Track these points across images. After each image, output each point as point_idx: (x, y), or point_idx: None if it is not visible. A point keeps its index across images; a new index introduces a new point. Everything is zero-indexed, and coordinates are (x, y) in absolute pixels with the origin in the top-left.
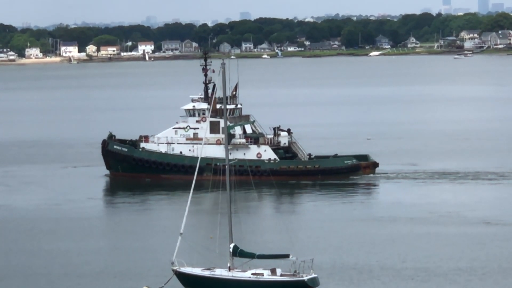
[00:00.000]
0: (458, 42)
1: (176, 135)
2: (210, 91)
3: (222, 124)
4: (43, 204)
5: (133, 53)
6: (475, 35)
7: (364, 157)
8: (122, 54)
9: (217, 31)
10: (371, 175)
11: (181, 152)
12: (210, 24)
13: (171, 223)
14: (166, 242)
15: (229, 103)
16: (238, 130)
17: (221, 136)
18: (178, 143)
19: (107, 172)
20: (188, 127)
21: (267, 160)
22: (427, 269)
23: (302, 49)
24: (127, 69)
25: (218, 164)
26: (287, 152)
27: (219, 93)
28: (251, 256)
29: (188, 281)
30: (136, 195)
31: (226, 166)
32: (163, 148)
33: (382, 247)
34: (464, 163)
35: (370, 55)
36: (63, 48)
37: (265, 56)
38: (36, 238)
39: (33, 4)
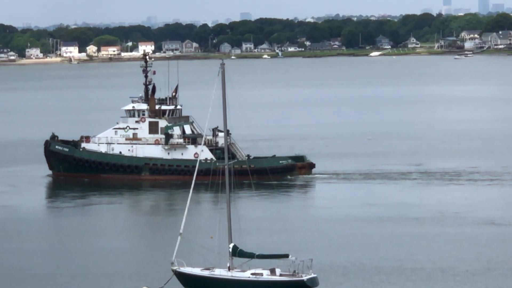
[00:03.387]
0: (458, 42)
1: (116, 135)
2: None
3: (161, 124)
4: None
5: (134, 53)
6: (476, 35)
7: (301, 158)
8: (123, 54)
9: (217, 32)
10: (309, 175)
11: (120, 152)
12: (210, 25)
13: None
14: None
15: (168, 104)
16: (176, 131)
17: (159, 136)
18: (117, 143)
19: (50, 172)
20: (127, 128)
21: (203, 160)
22: (427, 269)
23: (303, 49)
24: (126, 69)
25: (218, 164)
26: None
27: (158, 94)
28: (251, 256)
29: (187, 281)
30: (112, 196)
31: (225, 167)
32: (103, 148)
33: (382, 247)
34: (465, 163)
35: (371, 56)
36: (63, 49)
37: (265, 56)
38: (26, 238)
39: (34, 5)
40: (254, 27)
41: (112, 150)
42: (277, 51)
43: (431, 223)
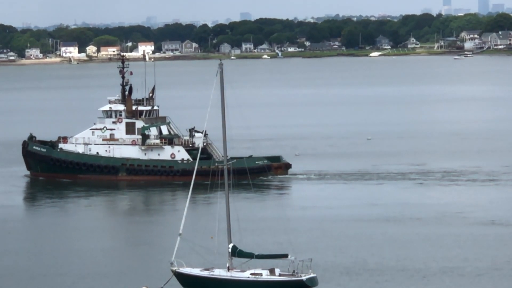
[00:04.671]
0: (458, 42)
1: (93, 136)
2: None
3: (137, 125)
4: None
5: (133, 53)
6: (476, 35)
7: (277, 158)
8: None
9: (217, 32)
10: (285, 175)
11: (97, 153)
12: (210, 25)
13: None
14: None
15: (145, 104)
16: (153, 131)
17: (136, 137)
18: (95, 144)
19: (28, 172)
20: (104, 128)
21: (180, 160)
22: (428, 270)
23: (302, 49)
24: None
25: (216, 164)
26: (202, 153)
27: (135, 95)
28: (250, 256)
29: (187, 282)
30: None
31: (225, 167)
32: (80, 149)
33: (383, 248)
34: (465, 163)
35: (370, 56)
36: (63, 49)
37: (265, 56)
38: (21, 239)
39: (33, 5)
40: (254, 27)
41: (89, 150)
42: (277, 51)
43: (433, 223)
